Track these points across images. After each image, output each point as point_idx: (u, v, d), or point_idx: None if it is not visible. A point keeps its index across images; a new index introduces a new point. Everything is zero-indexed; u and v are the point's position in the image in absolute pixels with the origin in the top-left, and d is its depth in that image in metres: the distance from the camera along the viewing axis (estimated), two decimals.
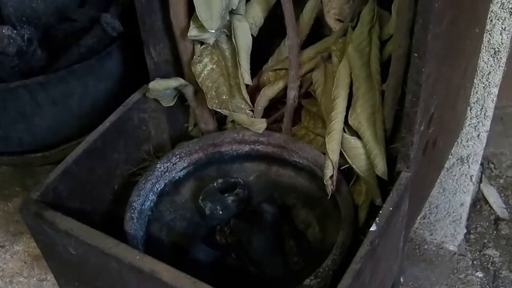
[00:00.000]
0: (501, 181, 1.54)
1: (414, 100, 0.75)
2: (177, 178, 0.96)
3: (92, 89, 1.05)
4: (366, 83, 0.85)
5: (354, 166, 0.87)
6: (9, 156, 1.12)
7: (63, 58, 1.05)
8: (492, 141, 1.46)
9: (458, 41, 0.86)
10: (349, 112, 0.86)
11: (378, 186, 0.87)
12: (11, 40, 1.04)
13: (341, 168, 0.88)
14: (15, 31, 1.05)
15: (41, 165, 1.17)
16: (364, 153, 0.86)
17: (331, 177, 0.84)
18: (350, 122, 0.85)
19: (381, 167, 0.85)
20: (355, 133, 0.86)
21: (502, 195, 1.51)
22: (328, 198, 0.86)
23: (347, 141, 0.86)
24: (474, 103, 1.16)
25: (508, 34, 1.06)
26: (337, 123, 0.86)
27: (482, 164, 1.53)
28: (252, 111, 0.96)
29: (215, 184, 0.95)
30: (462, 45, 0.89)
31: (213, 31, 0.86)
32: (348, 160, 0.87)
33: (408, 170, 0.81)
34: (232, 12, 0.91)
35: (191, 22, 0.87)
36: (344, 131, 0.86)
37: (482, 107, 1.17)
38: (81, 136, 1.10)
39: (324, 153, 0.87)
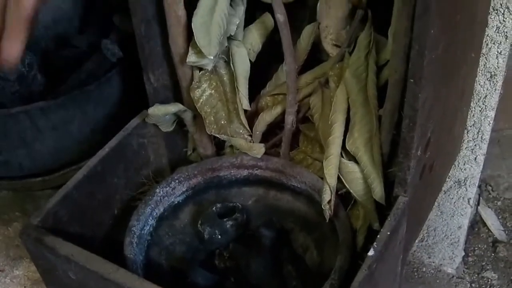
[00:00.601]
0: (499, 203, 1.55)
1: (410, 125, 0.76)
2: (176, 202, 0.97)
3: (92, 114, 1.06)
4: (363, 108, 0.86)
5: (351, 191, 0.87)
6: (9, 180, 1.13)
7: (63, 84, 1.06)
8: (490, 163, 1.47)
9: (454, 65, 0.87)
10: (347, 137, 0.86)
11: (375, 211, 0.87)
12: None
13: (339, 192, 0.89)
14: None
15: (41, 190, 1.18)
16: (361, 177, 0.86)
17: (329, 202, 0.85)
18: (347, 147, 0.86)
19: (378, 191, 0.85)
20: (352, 158, 0.87)
21: (500, 217, 1.52)
22: (326, 222, 0.86)
23: (345, 166, 0.86)
24: (471, 126, 1.17)
25: (504, 57, 1.07)
26: (334, 148, 0.86)
27: (479, 186, 1.54)
28: (251, 136, 0.96)
29: (213, 209, 0.95)
30: (458, 69, 0.90)
31: (212, 57, 0.87)
32: (346, 184, 0.87)
33: (406, 195, 0.82)
34: (230, 38, 0.92)
35: (189, 48, 0.88)
36: (342, 156, 0.87)
37: (479, 130, 1.18)
38: (81, 161, 1.11)
39: (322, 178, 0.87)
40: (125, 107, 1.10)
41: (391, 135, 0.85)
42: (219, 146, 1.03)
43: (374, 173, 0.85)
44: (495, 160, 1.58)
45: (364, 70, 0.87)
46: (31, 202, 1.36)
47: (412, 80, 0.72)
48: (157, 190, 0.95)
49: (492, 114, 1.15)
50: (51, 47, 1.12)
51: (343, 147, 0.87)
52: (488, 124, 1.17)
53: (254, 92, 0.99)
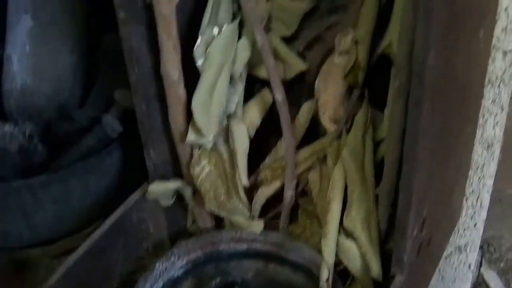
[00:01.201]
0: (502, 264, 1.54)
1: (405, 207, 0.76)
2: (175, 276, 0.97)
3: (92, 186, 1.07)
4: (361, 186, 0.87)
5: (349, 268, 0.88)
6: (8, 250, 1.13)
7: (64, 158, 1.08)
8: (491, 224, 1.47)
9: (450, 142, 0.88)
10: (344, 215, 0.87)
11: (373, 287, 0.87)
12: (13, 138, 1.06)
13: (337, 268, 0.89)
14: (16, 128, 1.08)
15: (40, 259, 1.18)
16: (359, 255, 0.87)
17: (327, 280, 0.85)
18: (344, 225, 0.87)
19: (375, 269, 0.86)
20: (350, 235, 0.87)
21: (502, 278, 1.51)
22: None
23: (342, 243, 0.87)
24: (469, 193, 1.18)
25: (500, 128, 1.08)
26: (332, 226, 0.87)
27: (481, 247, 1.53)
28: (250, 211, 0.97)
29: (213, 283, 0.95)
30: (454, 145, 0.91)
31: (211, 136, 0.88)
32: (344, 261, 0.88)
33: (402, 274, 0.82)
34: (229, 115, 0.93)
35: (189, 127, 0.90)
36: (340, 233, 0.88)
37: (477, 198, 1.18)
38: (81, 231, 1.11)
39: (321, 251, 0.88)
40: (126, 178, 1.11)
41: (388, 213, 0.86)
42: (219, 218, 1.04)
43: (371, 251, 0.85)
44: (497, 221, 1.57)
45: (361, 149, 0.89)
46: (30, 271, 1.35)
47: (406, 165, 0.73)
48: (157, 265, 0.95)
49: (490, 182, 1.16)
50: (52, 118, 1.13)
51: (341, 223, 0.88)
52: (487, 192, 1.18)
53: (254, 164, 1.00)
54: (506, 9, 0.93)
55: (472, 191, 1.17)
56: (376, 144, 0.91)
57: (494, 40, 0.96)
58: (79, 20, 1.15)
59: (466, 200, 1.19)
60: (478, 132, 1.09)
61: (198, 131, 0.88)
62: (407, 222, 0.77)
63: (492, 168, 1.14)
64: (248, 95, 0.99)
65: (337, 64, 0.91)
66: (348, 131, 0.91)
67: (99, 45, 1.18)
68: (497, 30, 0.95)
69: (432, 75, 0.65)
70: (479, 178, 1.15)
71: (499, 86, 1.03)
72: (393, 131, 0.78)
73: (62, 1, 1.13)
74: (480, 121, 1.07)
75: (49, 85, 1.13)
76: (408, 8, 0.68)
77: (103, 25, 1.14)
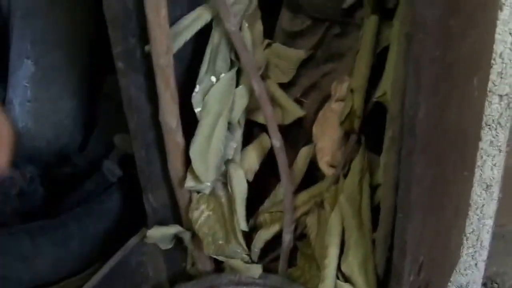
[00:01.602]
0: None
1: (400, 254, 0.77)
2: None
3: (92, 231, 1.08)
4: (358, 232, 0.87)
5: None
6: None
7: (64, 202, 1.08)
8: (495, 260, 1.46)
9: (446, 188, 0.88)
10: (341, 260, 0.88)
11: None
12: (13, 182, 1.07)
13: None
14: (17, 171, 1.09)
15: None
16: None
17: None
18: (342, 270, 0.87)
19: None
20: (347, 279, 0.88)
21: None
22: None
23: None
24: (469, 233, 1.18)
25: (499, 169, 1.09)
26: (329, 271, 0.88)
27: (485, 284, 1.53)
28: (249, 255, 0.98)
29: None
30: (450, 190, 0.92)
31: (209, 183, 0.89)
32: None
33: None
34: (228, 161, 0.94)
35: (188, 173, 0.90)
36: (337, 277, 0.88)
37: (478, 238, 1.18)
38: (80, 273, 1.11)
39: None
40: (125, 221, 1.11)
41: (385, 257, 0.86)
42: (218, 261, 1.04)
43: None
44: (500, 256, 1.56)
45: (358, 194, 0.89)
46: None
47: (400, 213, 0.74)
48: None
49: (490, 222, 1.16)
50: (52, 161, 1.14)
51: (339, 268, 0.88)
52: (487, 232, 1.18)
53: (253, 207, 1.01)
54: (500, 55, 0.94)
55: (472, 231, 1.17)
56: (374, 188, 0.92)
57: (490, 85, 0.97)
58: (81, 65, 1.17)
59: (466, 239, 1.19)
60: (477, 173, 1.09)
61: (196, 177, 0.89)
62: (402, 268, 0.78)
63: (491, 208, 1.14)
64: (247, 138, 1.00)
65: (334, 110, 0.92)
66: (345, 176, 0.92)
67: (101, 88, 1.20)
68: (493, 75, 0.96)
69: (423, 128, 0.66)
70: (478, 218, 1.15)
71: (496, 129, 1.03)
72: (388, 179, 0.79)
73: (63, 47, 1.14)
74: (479, 162, 1.08)
75: (50, 129, 1.14)
76: (399, 61, 0.69)
77: (105, 68, 1.16)
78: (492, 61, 0.93)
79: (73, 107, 1.15)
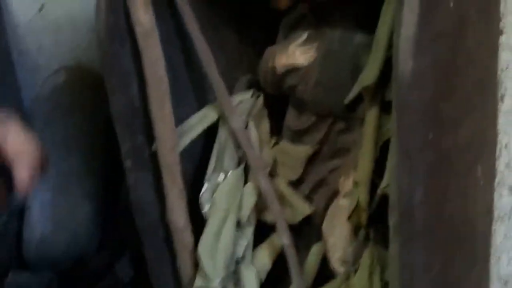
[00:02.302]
0: None
1: None
2: None
3: None
4: None
5: None
6: None
7: None
8: None
9: (457, 283, 0.87)
10: None
11: None
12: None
13: None
14: (34, 277, 1.10)
15: None
16: None
17: None
18: None
19: None
20: None
21: None
22: None
23: None
24: None
25: None
26: None
27: None
28: None
29: None
30: (462, 284, 0.90)
31: (217, 281, 0.89)
32: None
33: None
34: (238, 260, 0.94)
35: (197, 272, 0.90)
36: None
37: None
38: None
39: None
40: None
41: None
42: None
43: None
44: None
45: None
46: None
47: None
48: None
49: None
50: (68, 265, 1.15)
51: None
52: None
53: None
54: (506, 146, 0.94)
55: None
56: (386, 283, 0.90)
57: (498, 176, 0.96)
58: (99, 171, 1.19)
59: None
60: (493, 270, 1.07)
61: (205, 276, 0.89)
62: None
63: None
64: (260, 238, 1.00)
65: (342, 206, 0.92)
66: (356, 271, 0.91)
67: (118, 192, 1.22)
68: (501, 166, 0.96)
69: (422, 213, 0.66)
70: None
71: (509, 220, 1.02)
72: (394, 270, 0.78)
73: (82, 153, 1.18)
74: (493, 260, 1.06)
75: (68, 235, 1.16)
76: (394, 146, 0.70)
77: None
78: (498, 152, 0.94)
79: (91, 213, 1.17)
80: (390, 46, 0.74)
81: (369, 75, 0.81)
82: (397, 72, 0.60)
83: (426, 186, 0.65)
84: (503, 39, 0.87)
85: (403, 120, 0.60)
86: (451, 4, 0.64)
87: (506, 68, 0.88)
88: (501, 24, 0.86)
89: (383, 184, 0.83)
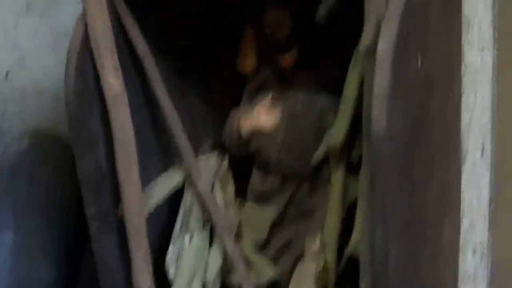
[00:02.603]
0: None
1: None
2: None
3: None
4: None
5: None
6: None
7: None
8: None
9: None
10: None
11: None
12: None
13: None
14: None
15: None
16: None
17: None
18: None
19: None
20: None
21: None
22: None
23: None
24: None
25: None
26: None
27: None
28: None
29: None
30: None
31: None
32: None
33: None
34: None
35: None
36: None
37: None
38: None
39: None
40: None
41: None
42: None
43: None
44: None
45: None
46: None
47: None
48: None
49: None
50: None
51: None
52: None
53: None
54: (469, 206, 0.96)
55: None
56: None
57: (461, 238, 0.98)
58: (61, 234, 1.16)
59: None
60: None
61: None
62: None
63: None
64: None
65: (308, 268, 0.91)
66: None
67: (82, 255, 1.19)
68: (465, 225, 0.97)
69: (395, 275, 0.66)
70: None
71: (474, 282, 1.03)
72: None
73: (44, 218, 1.15)
74: None
75: None
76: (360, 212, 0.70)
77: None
78: (461, 213, 0.95)
79: (53, 277, 1.13)
80: (358, 105, 0.75)
81: (337, 134, 0.82)
82: (370, 128, 0.60)
83: (400, 244, 0.65)
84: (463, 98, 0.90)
85: (377, 174, 0.61)
86: (419, 64, 0.65)
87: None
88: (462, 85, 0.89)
89: (351, 244, 0.83)
